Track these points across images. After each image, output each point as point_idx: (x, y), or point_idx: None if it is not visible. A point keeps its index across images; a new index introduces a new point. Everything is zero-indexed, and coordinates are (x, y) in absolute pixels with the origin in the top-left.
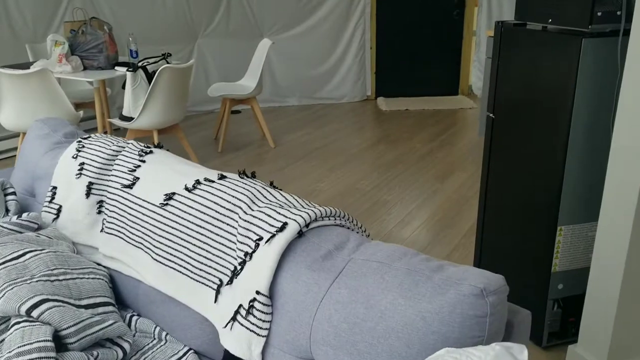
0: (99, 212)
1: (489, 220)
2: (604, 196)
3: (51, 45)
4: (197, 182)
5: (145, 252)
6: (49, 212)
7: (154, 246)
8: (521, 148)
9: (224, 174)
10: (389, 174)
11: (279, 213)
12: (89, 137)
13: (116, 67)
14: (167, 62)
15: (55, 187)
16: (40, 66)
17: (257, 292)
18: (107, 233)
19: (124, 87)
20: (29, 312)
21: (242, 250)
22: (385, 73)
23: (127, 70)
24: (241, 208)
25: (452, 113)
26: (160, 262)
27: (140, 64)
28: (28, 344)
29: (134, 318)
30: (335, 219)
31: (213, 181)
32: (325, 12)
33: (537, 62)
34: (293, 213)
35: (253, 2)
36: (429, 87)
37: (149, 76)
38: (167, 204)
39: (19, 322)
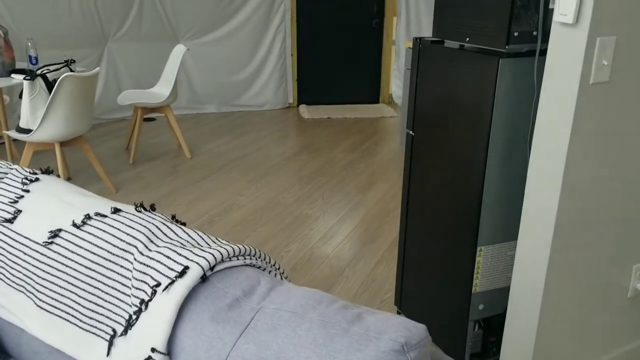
0: None
1: (411, 239)
2: (523, 215)
3: None
4: (87, 216)
5: (28, 296)
6: None
7: (38, 291)
8: (440, 167)
9: (119, 206)
10: (311, 186)
11: (180, 254)
12: None
13: (12, 75)
14: (70, 70)
15: None
16: None
17: (153, 350)
18: None
19: (21, 96)
20: None
21: (137, 297)
22: (307, 80)
23: (24, 78)
24: (137, 247)
25: (373, 122)
26: (44, 309)
27: (39, 71)
28: None
29: None
30: (245, 258)
31: (105, 216)
32: (244, 17)
33: (455, 80)
34: (195, 254)
35: (167, 5)
36: (351, 95)
37: (49, 85)
38: (52, 242)
39: None
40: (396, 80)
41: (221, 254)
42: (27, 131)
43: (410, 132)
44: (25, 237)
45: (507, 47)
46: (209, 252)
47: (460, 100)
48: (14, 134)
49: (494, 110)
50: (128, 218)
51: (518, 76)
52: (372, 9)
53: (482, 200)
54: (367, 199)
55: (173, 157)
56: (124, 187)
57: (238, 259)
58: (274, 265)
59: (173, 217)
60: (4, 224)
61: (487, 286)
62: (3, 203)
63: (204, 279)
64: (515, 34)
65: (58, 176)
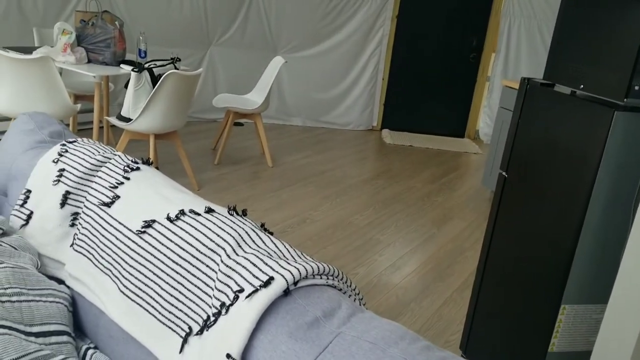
0: (72, 225)
1: (488, 283)
2: (617, 280)
3: (58, 33)
4: (182, 212)
5: (113, 280)
6: (18, 217)
7: (123, 276)
8: (532, 213)
9: (212, 207)
10: (385, 212)
11: (266, 264)
12: (74, 141)
13: (121, 65)
14: (175, 67)
15: (29, 191)
16: (42, 53)
17: (228, 356)
18: (76, 251)
19: (126, 86)
20: None
21: (218, 299)
22: (393, 105)
23: (132, 70)
24: (225, 250)
25: (456, 156)
26: (126, 295)
27: (146, 65)
28: None
29: (90, 352)
30: (327, 278)
31: (199, 214)
32: (343, 37)
33: (561, 127)
34: (281, 266)
35: (272, 18)
36: (436, 125)
37: (154, 79)
38: (144, 232)
39: None
40: (485, 117)
41: (306, 270)
42: (127, 120)
43: (503, 173)
44: (120, 223)
45: (625, 100)
46: (295, 266)
47: (565, 147)
48: (114, 120)
49: (601, 163)
50: (220, 220)
51: (632, 131)
52: (471, 43)
53: (574, 255)
54: (441, 234)
55: (255, 163)
56: (206, 186)
57: (321, 278)
58: (354, 289)
59: (262, 225)
60: (102, 207)
61: (566, 347)
62: (103, 187)
63: (286, 292)
64: (637, 87)
65: (157, 168)
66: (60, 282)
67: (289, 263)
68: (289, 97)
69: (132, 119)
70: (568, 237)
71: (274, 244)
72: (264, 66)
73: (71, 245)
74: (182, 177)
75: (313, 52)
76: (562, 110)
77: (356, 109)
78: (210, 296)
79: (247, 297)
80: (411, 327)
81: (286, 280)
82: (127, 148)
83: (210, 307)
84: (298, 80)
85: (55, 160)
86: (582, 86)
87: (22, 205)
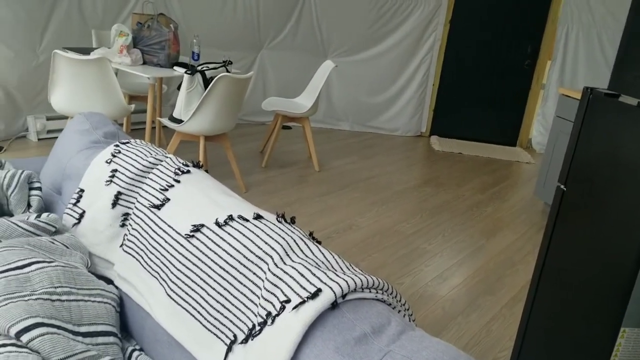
0: (122, 226)
1: (540, 301)
2: None
3: (115, 34)
4: (230, 217)
5: (160, 283)
6: (71, 216)
7: (170, 279)
8: (593, 231)
9: (261, 213)
10: (433, 221)
11: (314, 274)
12: (127, 142)
13: (175, 67)
14: (227, 71)
15: (82, 190)
16: (99, 54)
17: None
18: (125, 251)
19: (179, 88)
20: (18, 335)
21: (264, 309)
22: (443, 111)
23: (185, 72)
24: (272, 258)
25: (507, 165)
26: (173, 299)
27: (199, 67)
28: None
29: (135, 354)
30: (377, 292)
31: (247, 220)
32: (393, 41)
33: (627, 140)
34: (330, 278)
35: (323, 22)
36: (486, 133)
37: (206, 81)
38: (193, 236)
39: (5, 345)
40: (539, 125)
41: (355, 283)
42: (179, 121)
43: (562, 186)
44: (169, 226)
45: None
46: (344, 279)
47: (631, 162)
48: (166, 121)
49: None
50: (268, 227)
51: None
52: (526, 50)
53: (636, 275)
54: (490, 245)
55: (302, 167)
56: (252, 188)
57: (370, 292)
58: (403, 304)
59: (310, 234)
60: (152, 209)
61: None
62: (154, 189)
63: (334, 305)
64: None
65: (206, 170)
66: (109, 282)
67: (337, 275)
68: (337, 101)
69: (183, 121)
70: (631, 256)
71: (322, 253)
72: (313, 70)
73: (121, 246)
74: (230, 179)
75: (363, 56)
76: (628, 122)
77: (405, 115)
78: (256, 305)
79: (293, 308)
80: (458, 342)
81: (334, 293)
82: (177, 149)
83: (256, 315)
84: (347, 84)
85: (109, 161)
86: None
87: (74, 204)
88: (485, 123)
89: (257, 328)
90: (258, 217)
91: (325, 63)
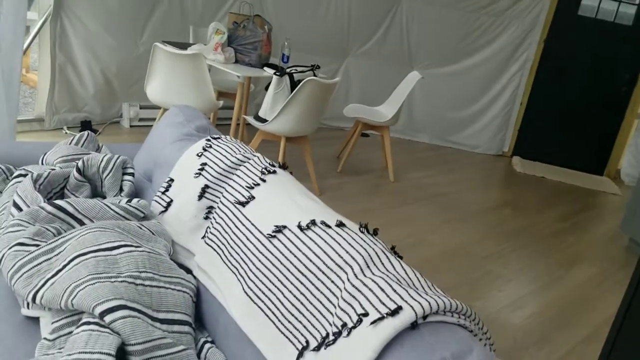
0: (206, 218)
1: (622, 344)
2: None
3: (212, 32)
4: (313, 222)
5: (238, 279)
6: (159, 204)
7: (249, 277)
8: None
9: (344, 221)
10: (508, 245)
11: (395, 291)
12: (219, 137)
13: (265, 68)
14: (314, 75)
15: (172, 180)
16: (196, 50)
17: None
18: (207, 244)
19: (267, 88)
20: (102, 315)
21: (340, 319)
22: (529, 132)
23: (275, 73)
24: (352, 268)
25: (592, 194)
26: (249, 297)
27: (288, 70)
28: (89, 352)
29: (207, 345)
30: (459, 317)
31: (330, 226)
32: (483, 57)
33: None
34: (411, 296)
35: (412, 34)
36: (573, 159)
37: (293, 84)
38: (274, 237)
39: (89, 323)
40: (630, 157)
41: (437, 304)
42: (263, 120)
43: None
44: (252, 224)
45: None
46: (426, 299)
47: None
48: (251, 119)
49: None
50: (350, 236)
51: None
52: (624, 76)
53: None
54: (569, 277)
55: (377, 176)
56: (326, 192)
57: (452, 316)
58: (485, 333)
59: (392, 248)
60: (237, 205)
61: None
62: (240, 186)
63: (414, 325)
64: None
65: (291, 173)
66: (189, 271)
67: (419, 294)
68: (418, 112)
69: (267, 120)
70: None
71: (404, 270)
72: (397, 80)
73: (203, 238)
74: (306, 181)
75: (450, 70)
76: None
77: (488, 132)
78: (332, 314)
79: (371, 323)
80: None
81: (415, 313)
82: (258, 147)
83: (330, 325)
84: (430, 96)
85: (199, 154)
86: None
87: (163, 193)
88: (572, 148)
89: (332, 338)
90: (341, 224)
91: (412, 74)
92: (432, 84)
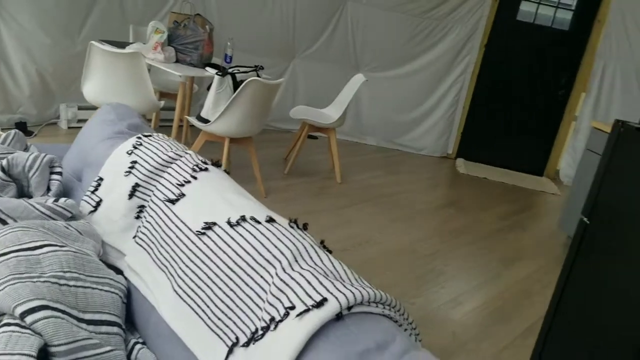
0: (137, 217)
1: (554, 337)
2: None
3: (151, 31)
4: (242, 218)
5: (168, 278)
6: (88, 203)
7: (178, 275)
8: (614, 269)
9: (274, 216)
10: (452, 243)
11: (321, 283)
12: (150, 135)
13: (207, 68)
14: (258, 75)
15: (101, 179)
16: (134, 49)
17: None
18: (137, 243)
19: (209, 88)
20: (23, 315)
21: (269, 313)
22: (471, 135)
23: (216, 73)
24: (281, 263)
25: (532, 194)
26: (179, 295)
27: (230, 70)
28: (9, 354)
29: (137, 346)
30: (384, 308)
31: (259, 222)
32: (428, 60)
33: None
34: (337, 288)
35: (358, 36)
36: (514, 160)
37: (236, 84)
38: (204, 233)
39: (9, 324)
40: (568, 157)
41: (362, 295)
42: (206, 121)
43: (585, 219)
44: (182, 221)
45: None
46: (350, 290)
47: None
48: (193, 120)
49: None
50: (280, 231)
51: None
52: (561, 80)
53: None
54: (509, 273)
55: (324, 178)
56: (272, 194)
57: (377, 306)
58: (410, 323)
59: (322, 242)
60: (167, 203)
61: None
62: (171, 184)
63: (339, 316)
64: None
65: (227, 172)
66: (119, 272)
67: (345, 286)
68: (366, 115)
69: (210, 121)
70: None
71: (332, 263)
72: (344, 83)
73: (133, 237)
74: (251, 183)
75: (395, 73)
76: None
77: (432, 135)
78: (261, 308)
79: (297, 315)
80: None
81: (340, 304)
82: (202, 149)
83: (259, 319)
84: (377, 99)
85: (129, 152)
86: None
87: (93, 192)
88: (514, 150)
89: (260, 332)
90: (270, 220)
91: (356, 76)
92: (379, 87)
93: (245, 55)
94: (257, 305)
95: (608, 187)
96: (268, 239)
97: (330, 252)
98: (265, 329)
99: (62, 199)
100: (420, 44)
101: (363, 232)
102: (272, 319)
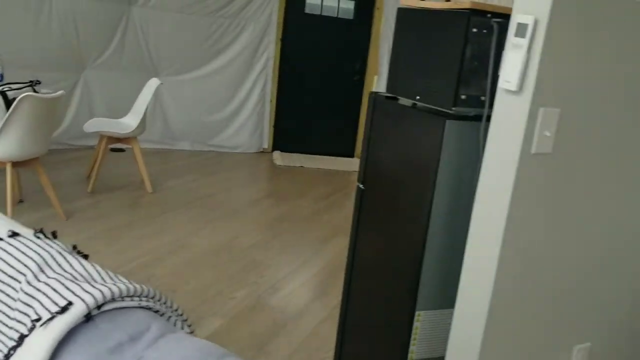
0: None
1: (353, 298)
2: (460, 282)
3: None
4: None
5: None
6: None
7: None
8: (386, 225)
9: (17, 230)
10: (271, 232)
11: (67, 288)
12: None
13: None
14: (34, 91)
15: None
16: None
17: None
18: None
19: None
20: None
21: (17, 331)
22: (283, 128)
23: None
24: (26, 276)
25: (345, 174)
26: None
27: (0, 88)
28: None
29: None
30: (141, 300)
31: (1, 239)
32: (227, 59)
33: (405, 137)
34: (84, 290)
35: (150, 40)
36: (327, 146)
37: (8, 103)
38: None
39: None
40: None
41: (112, 292)
42: None
43: (361, 186)
44: None
45: (453, 108)
46: (98, 289)
47: (410, 157)
48: None
49: (438, 170)
50: (24, 243)
51: (464, 139)
52: (355, 66)
53: (422, 261)
54: (326, 251)
55: (134, 189)
56: (75, 215)
57: (133, 300)
58: (176, 310)
59: (74, 247)
60: None
61: (425, 354)
62: None
63: (88, 317)
64: (463, 97)
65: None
66: None
67: (92, 286)
68: (174, 121)
69: None
70: (416, 244)
71: (83, 267)
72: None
73: None
74: (49, 208)
75: (197, 74)
76: (405, 121)
77: (245, 132)
78: (10, 327)
79: (41, 325)
80: (287, 348)
81: (86, 305)
82: None
83: (9, 339)
84: (183, 103)
85: None
86: (417, 97)
87: None
88: (325, 136)
89: (12, 352)
90: (14, 234)
91: (151, 81)
92: (182, 90)
93: (24, 72)
94: (5, 325)
95: (372, 153)
96: (11, 254)
97: (86, 256)
98: (15, 347)
99: None
100: (216, 44)
101: (179, 238)
102: (21, 335)
